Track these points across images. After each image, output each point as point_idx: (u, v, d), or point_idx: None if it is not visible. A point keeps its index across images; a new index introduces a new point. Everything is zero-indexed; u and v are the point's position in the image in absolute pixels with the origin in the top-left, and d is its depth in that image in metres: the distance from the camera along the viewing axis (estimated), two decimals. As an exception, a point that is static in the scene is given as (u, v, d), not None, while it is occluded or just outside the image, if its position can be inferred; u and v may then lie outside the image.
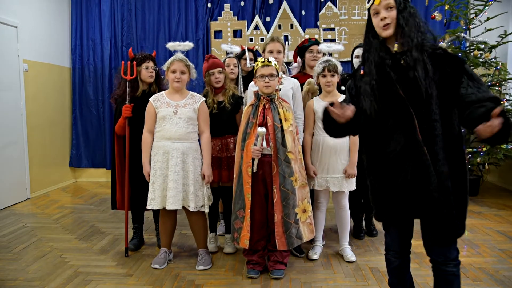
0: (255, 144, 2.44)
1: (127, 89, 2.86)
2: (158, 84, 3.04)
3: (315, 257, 2.82)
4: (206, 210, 2.68)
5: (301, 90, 2.94)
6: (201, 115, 2.68)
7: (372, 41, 1.67)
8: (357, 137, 2.71)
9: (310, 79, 3.01)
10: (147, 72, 2.94)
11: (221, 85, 2.87)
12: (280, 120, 2.48)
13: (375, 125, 1.67)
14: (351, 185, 2.79)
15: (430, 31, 1.63)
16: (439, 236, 1.64)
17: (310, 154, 2.78)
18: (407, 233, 1.80)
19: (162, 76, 3.07)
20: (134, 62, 2.90)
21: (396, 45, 1.61)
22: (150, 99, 2.69)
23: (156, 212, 3.10)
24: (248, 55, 3.43)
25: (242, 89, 3.16)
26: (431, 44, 1.62)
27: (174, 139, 2.59)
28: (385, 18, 1.59)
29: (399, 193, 1.64)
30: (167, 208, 2.58)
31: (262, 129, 2.38)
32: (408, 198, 1.63)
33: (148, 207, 2.65)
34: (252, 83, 2.90)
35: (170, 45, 2.79)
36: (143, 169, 2.68)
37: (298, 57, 3.33)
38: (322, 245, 2.99)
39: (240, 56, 3.41)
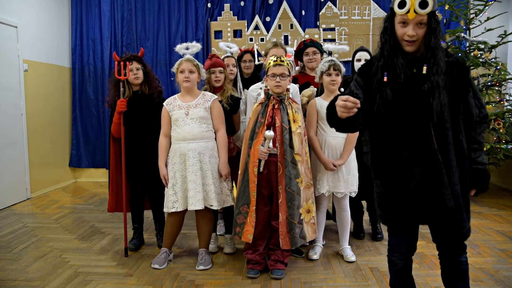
0: (262, 145, 2.43)
1: (121, 89, 2.86)
2: (149, 84, 2.99)
3: (315, 257, 2.82)
4: (231, 203, 2.71)
5: (300, 90, 2.95)
6: (214, 113, 2.67)
7: (396, 48, 1.59)
8: (354, 136, 2.71)
9: (313, 90, 2.98)
10: (131, 73, 2.90)
11: (220, 85, 2.87)
12: (289, 121, 2.46)
13: (389, 130, 1.66)
14: (352, 187, 2.77)
15: (446, 42, 1.63)
16: (452, 240, 1.70)
17: (320, 149, 2.73)
18: (415, 236, 1.81)
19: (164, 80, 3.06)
20: (128, 63, 2.87)
21: (425, 67, 1.56)
22: (164, 103, 2.70)
23: (156, 212, 3.10)
24: (248, 56, 3.41)
25: (241, 88, 3.15)
26: (445, 52, 1.61)
27: (189, 140, 2.60)
28: (413, 35, 1.53)
29: (409, 200, 1.65)
30: (189, 209, 2.59)
31: (270, 133, 2.38)
32: (419, 205, 1.64)
33: (171, 210, 2.63)
34: (252, 86, 2.89)
35: (178, 48, 2.78)
36: (159, 172, 2.67)
37: (299, 60, 3.33)
38: (322, 245, 2.99)
39: (239, 58, 3.40)
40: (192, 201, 2.57)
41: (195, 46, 2.77)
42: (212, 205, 2.62)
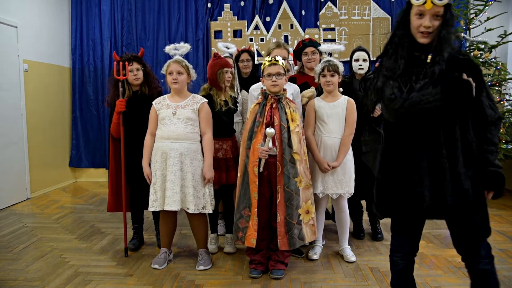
0: (262, 145, 2.43)
1: (120, 89, 2.85)
2: (149, 84, 2.99)
3: (315, 257, 2.82)
4: (210, 211, 2.66)
5: (300, 91, 2.94)
6: (202, 115, 2.65)
7: (404, 39, 1.61)
8: (348, 138, 2.70)
9: (313, 91, 2.97)
10: (131, 74, 2.90)
11: (228, 85, 2.88)
12: (287, 120, 2.47)
13: (400, 126, 1.65)
14: (348, 188, 2.75)
15: (458, 37, 1.61)
16: (462, 237, 1.67)
17: (316, 148, 2.73)
18: (418, 235, 1.79)
19: (161, 80, 3.06)
20: (126, 63, 2.86)
21: (429, 56, 1.56)
22: (153, 102, 2.70)
23: (155, 212, 3.09)
24: (246, 55, 3.40)
25: (239, 89, 3.15)
26: (457, 50, 1.61)
27: (173, 139, 2.59)
28: (429, 27, 1.54)
29: (411, 191, 1.62)
30: (165, 209, 2.57)
31: (271, 130, 2.38)
32: (424, 200, 1.61)
33: (150, 208, 2.64)
34: (254, 86, 2.90)
35: (167, 49, 2.78)
36: (143, 171, 2.68)
37: (297, 60, 3.33)
38: (322, 245, 2.99)
39: (237, 58, 3.39)
40: (168, 201, 2.55)
41: (184, 47, 2.76)
42: (188, 208, 2.59)
